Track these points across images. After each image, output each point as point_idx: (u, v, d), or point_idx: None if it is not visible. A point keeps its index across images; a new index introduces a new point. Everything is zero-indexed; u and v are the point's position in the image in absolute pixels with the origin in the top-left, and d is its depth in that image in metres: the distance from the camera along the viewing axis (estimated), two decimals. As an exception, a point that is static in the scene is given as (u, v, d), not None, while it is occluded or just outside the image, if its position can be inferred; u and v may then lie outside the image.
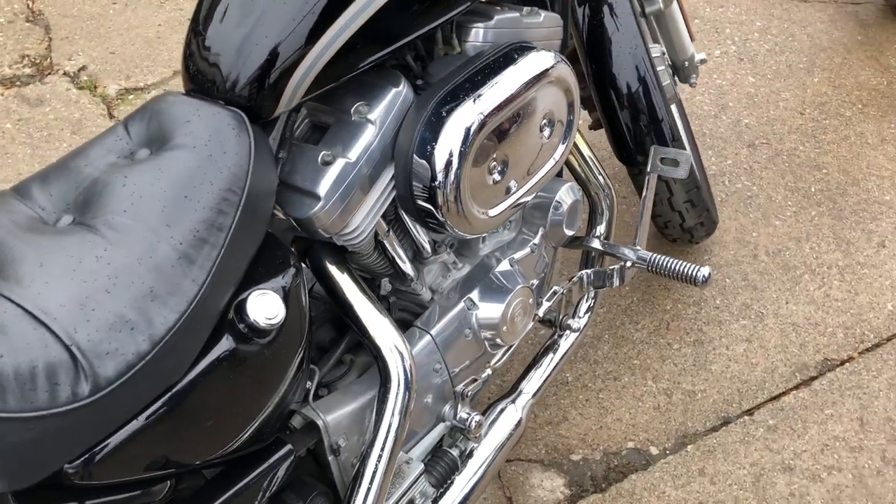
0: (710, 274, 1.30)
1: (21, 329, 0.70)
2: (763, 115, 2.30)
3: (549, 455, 1.58)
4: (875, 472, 1.55)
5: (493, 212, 1.10)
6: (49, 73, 2.36)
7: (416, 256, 1.19)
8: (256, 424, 0.92)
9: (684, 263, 1.32)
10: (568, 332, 1.40)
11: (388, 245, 1.11)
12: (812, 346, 1.76)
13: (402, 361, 1.06)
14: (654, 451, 1.59)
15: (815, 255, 1.94)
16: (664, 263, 1.33)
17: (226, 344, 0.85)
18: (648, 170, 1.37)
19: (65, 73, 2.36)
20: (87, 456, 0.75)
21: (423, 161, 1.01)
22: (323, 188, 0.97)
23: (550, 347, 1.42)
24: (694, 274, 1.30)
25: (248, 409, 0.90)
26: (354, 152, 0.99)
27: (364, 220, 1.03)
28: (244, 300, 0.86)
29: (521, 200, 1.14)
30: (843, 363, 1.73)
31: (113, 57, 2.41)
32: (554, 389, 1.67)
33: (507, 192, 1.11)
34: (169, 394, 0.80)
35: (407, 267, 1.15)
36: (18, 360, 0.68)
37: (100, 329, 0.72)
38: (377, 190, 1.03)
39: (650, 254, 1.34)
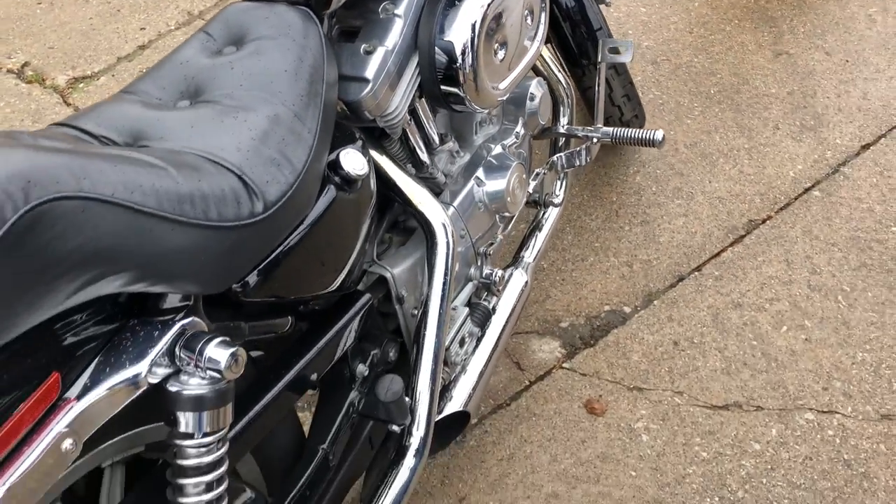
0: (664, 135, 1.57)
1: (205, 166, 0.87)
2: (658, 37, 2.62)
3: (542, 326, 1.82)
4: (805, 297, 1.86)
5: (502, 85, 1.32)
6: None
7: (427, 147, 1.39)
8: (348, 266, 1.11)
9: (641, 130, 1.59)
10: (551, 207, 1.65)
11: (409, 134, 1.31)
12: (737, 212, 2.07)
13: (444, 223, 1.26)
14: (626, 309, 1.85)
15: (725, 142, 2.26)
16: (624, 134, 1.59)
17: (329, 192, 1.04)
18: (599, 59, 1.63)
19: (9, 71, 2.42)
20: (252, 273, 0.93)
21: (444, 47, 1.22)
22: (370, 72, 1.17)
23: (538, 224, 1.66)
24: (651, 136, 1.56)
25: (345, 249, 1.09)
26: (390, 41, 1.19)
27: (400, 102, 1.23)
28: (337, 156, 1.06)
29: (519, 75, 1.37)
30: (764, 221, 2.05)
31: (53, 51, 2.49)
32: (535, 274, 1.91)
33: (510, 68, 1.34)
34: (300, 226, 0.98)
35: (424, 155, 1.35)
36: (211, 184, 0.85)
37: (258, 165, 0.90)
38: (407, 75, 1.23)
39: (611, 128, 1.60)
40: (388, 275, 1.24)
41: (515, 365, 1.74)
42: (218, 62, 1.03)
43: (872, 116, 2.32)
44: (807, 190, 2.12)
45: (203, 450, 0.86)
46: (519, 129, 1.54)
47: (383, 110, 1.21)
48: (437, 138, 1.38)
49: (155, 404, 0.85)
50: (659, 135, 1.57)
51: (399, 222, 1.36)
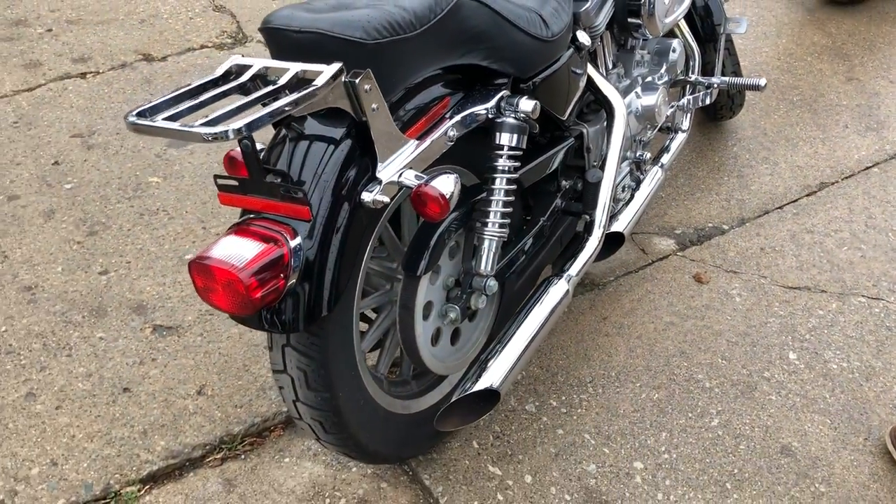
0: (766, 82, 2.19)
1: (527, 5, 1.52)
2: (752, 60, 3.26)
3: (660, 230, 2.41)
4: (862, 231, 2.42)
5: (667, 20, 1.97)
6: (246, 42, 3.17)
7: (605, 67, 2.03)
8: (571, 105, 1.74)
9: (748, 77, 2.21)
10: (680, 133, 2.27)
11: (599, 48, 1.96)
12: (811, 176, 2.65)
13: (620, 104, 1.89)
14: (724, 227, 2.44)
15: (804, 132, 2.86)
16: (735, 81, 2.22)
17: (571, 49, 1.69)
18: (721, 31, 2.28)
19: (259, 41, 3.17)
20: (537, 77, 1.57)
21: (635, -10, 1.88)
22: (590, -3, 1.83)
23: (669, 145, 2.27)
24: (756, 83, 2.19)
25: (572, 89, 1.72)
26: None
27: (601, 20, 1.87)
28: (574, 33, 1.71)
29: (676, 18, 2.02)
30: (833, 184, 2.62)
31: None
32: (659, 196, 2.52)
33: (671, 11, 1.99)
34: (559, 60, 1.63)
35: (603, 68, 2.00)
36: (529, 13, 1.50)
37: (547, 12, 1.56)
38: (607, 6, 1.88)
39: (726, 77, 2.24)
40: (584, 130, 1.86)
41: (641, 250, 2.33)
42: None
43: (924, 125, 2.90)
44: (867, 168, 2.70)
45: (512, 161, 1.49)
46: (663, 72, 2.18)
47: (592, 23, 1.86)
48: (610, 62, 2.02)
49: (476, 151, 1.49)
50: (762, 81, 2.18)
51: (590, 103, 1.99)
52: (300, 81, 1.21)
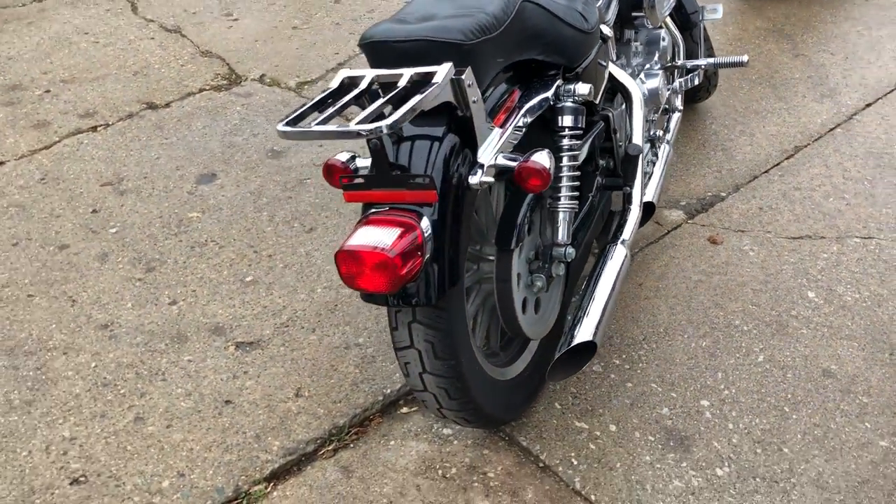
0: (748, 58, 2.44)
1: (574, 5, 1.72)
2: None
3: (668, 204, 2.63)
4: (842, 183, 2.68)
5: (663, 12, 2.20)
6: (241, 82, 3.30)
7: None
8: (601, 90, 1.94)
9: (731, 57, 2.46)
10: (676, 112, 2.50)
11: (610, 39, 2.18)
12: (786, 142, 2.91)
13: (636, 89, 2.10)
14: (722, 194, 2.67)
15: (769, 105, 3.13)
16: (721, 61, 2.46)
17: (600, 41, 1.89)
18: (700, 17, 2.53)
19: (253, 80, 3.31)
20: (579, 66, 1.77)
21: (637, -11, 2.10)
22: (601, -4, 2.04)
23: (668, 125, 2.50)
24: (739, 60, 2.43)
25: (603, 74, 1.93)
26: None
27: (610, 16, 2.08)
28: (600, 27, 1.91)
29: (667, 9, 2.25)
30: (806, 146, 2.89)
31: (278, 68, 3.38)
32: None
33: (668, 2, 2.22)
34: (594, 52, 1.83)
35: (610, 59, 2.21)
36: (573, 11, 1.70)
37: (586, 9, 1.75)
38: (613, 4, 2.10)
39: (711, 59, 2.48)
40: (610, 114, 2.06)
41: (656, 223, 2.54)
42: None
43: (870, 88, 3.22)
44: (831, 129, 2.98)
45: (576, 140, 1.67)
46: (656, 59, 2.41)
47: (606, 17, 2.07)
48: (614, 54, 2.24)
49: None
50: (745, 57, 2.43)
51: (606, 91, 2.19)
52: (414, 84, 1.38)
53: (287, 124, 1.30)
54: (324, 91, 1.42)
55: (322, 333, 2.09)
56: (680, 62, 2.53)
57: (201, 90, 3.22)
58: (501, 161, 1.49)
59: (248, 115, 3.06)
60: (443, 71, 1.36)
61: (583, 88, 1.67)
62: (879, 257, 2.35)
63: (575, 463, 1.78)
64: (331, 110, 1.33)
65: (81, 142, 2.91)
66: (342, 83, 1.42)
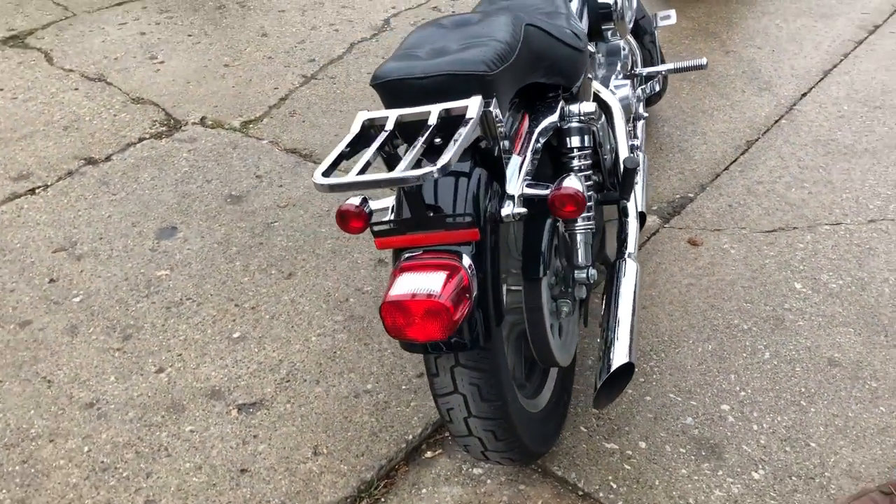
0: (707, 61, 2.47)
1: (560, 23, 1.68)
2: (643, 52, 3.60)
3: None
4: (799, 172, 2.75)
5: (630, 22, 2.19)
6: (182, 127, 3.14)
7: None
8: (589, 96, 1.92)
9: (690, 59, 2.49)
10: (642, 119, 2.51)
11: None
12: (738, 137, 2.98)
13: (615, 101, 2.09)
14: (690, 195, 2.70)
15: (713, 103, 3.20)
16: (680, 65, 2.48)
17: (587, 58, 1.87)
18: (656, 24, 2.55)
19: (194, 123, 3.15)
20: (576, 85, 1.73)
21: (606, 3, 2.09)
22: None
23: (635, 135, 2.51)
24: (699, 63, 2.46)
25: (590, 95, 1.90)
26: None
27: (585, 28, 2.07)
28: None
29: (631, 20, 2.25)
30: (756, 140, 2.96)
31: (217, 108, 3.24)
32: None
33: (631, 18, 2.22)
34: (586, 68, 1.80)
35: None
36: (565, 30, 1.67)
37: (574, 24, 1.73)
38: (585, 16, 2.08)
39: (671, 64, 2.50)
40: (595, 129, 2.04)
41: (634, 230, 2.54)
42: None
43: (802, 78, 3.33)
44: (777, 122, 3.06)
45: (586, 160, 1.64)
46: (619, 69, 2.41)
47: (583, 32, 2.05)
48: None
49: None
50: (703, 60, 2.46)
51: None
52: (444, 120, 1.31)
53: (323, 176, 1.22)
54: (348, 136, 1.34)
55: (327, 384, 1.99)
56: (639, 70, 2.54)
57: (141, 139, 3.05)
58: (529, 190, 1.44)
59: (196, 161, 2.91)
60: (475, 105, 1.30)
61: (588, 107, 1.64)
62: (852, 242, 2.41)
63: (614, 486, 1.74)
64: (366, 157, 1.25)
65: (21, 207, 2.70)
66: (363, 126, 1.35)
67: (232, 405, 1.95)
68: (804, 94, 3.21)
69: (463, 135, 1.23)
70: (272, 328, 2.17)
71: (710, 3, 4.06)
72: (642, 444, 1.83)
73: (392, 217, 1.39)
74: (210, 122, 3.15)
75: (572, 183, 1.40)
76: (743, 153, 2.88)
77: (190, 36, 3.87)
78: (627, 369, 1.59)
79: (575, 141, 1.65)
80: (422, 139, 1.26)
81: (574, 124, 1.64)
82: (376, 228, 1.35)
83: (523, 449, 1.57)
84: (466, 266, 1.31)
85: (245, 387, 1.99)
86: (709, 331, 2.12)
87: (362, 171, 1.21)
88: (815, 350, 2.04)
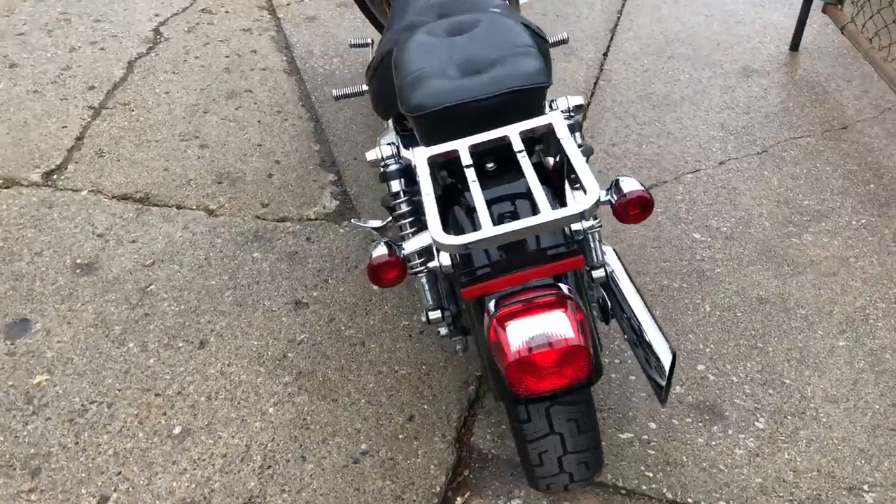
0: (567, 35, 2.49)
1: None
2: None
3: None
4: (642, 126, 2.90)
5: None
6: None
7: None
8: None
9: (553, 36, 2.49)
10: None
11: None
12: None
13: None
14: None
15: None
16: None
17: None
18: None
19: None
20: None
21: None
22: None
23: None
24: (562, 38, 2.47)
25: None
26: None
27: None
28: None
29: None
30: (591, 98, 3.07)
31: (1, 164, 2.64)
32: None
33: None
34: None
35: None
36: (538, 28, 1.55)
37: (531, 23, 1.61)
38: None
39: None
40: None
41: (529, 214, 2.51)
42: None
43: (594, 38, 3.50)
44: (595, 83, 3.19)
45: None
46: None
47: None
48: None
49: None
50: (565, 35, 2.47)
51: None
52: (526, 141, 1.18)
53: (451, 237, 1.03)
54: (427, 181, 1.14)
55: (317, 458, 1.73)
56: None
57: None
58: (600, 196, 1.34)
59: (10, 233, 2.36)
60: (559, 121, 1.17)
61: (576, 99, 1.55)
62: (717, 185, 2.59)
63: (650, 475, 1.72)
64: (479, 204, 1.08)
65: None
66: (430, 164, 1.16)
67: (218, 516, 1.62)
68: (605, 54, 3.38)
69: (582, 159, 1.10)
70: (216, 411, 1.83)
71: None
72: (652, 426, 1.83)
73: (467, 262, 1.22)
74: (2, 182, 2.57)
75: (631, 184, 1.33)
76: (584, 119, 2.97)
77: (-87, 79, 3.11)
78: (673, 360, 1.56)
79: (577, 138, 1.57)
80: (531, 169, 1.11)
81: (570, 122, 1.56)
82: (466, 279, 1.17)
83: (598, 470, 1.49)
84: (573, 296, 1.19)
85: (222, 489, 1.67)
86: (650, 298, 2.17)
87: (498, 223, 1.04)
88: (742, 293, 2.18)
